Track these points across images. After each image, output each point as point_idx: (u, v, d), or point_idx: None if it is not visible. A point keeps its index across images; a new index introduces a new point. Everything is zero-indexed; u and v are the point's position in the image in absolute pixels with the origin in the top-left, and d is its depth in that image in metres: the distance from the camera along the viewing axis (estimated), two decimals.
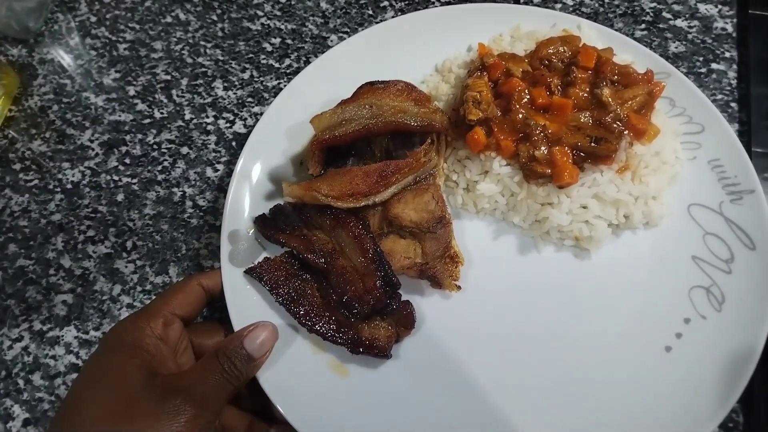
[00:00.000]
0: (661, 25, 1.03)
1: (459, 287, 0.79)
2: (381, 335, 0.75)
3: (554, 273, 0.82)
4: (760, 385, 0.75)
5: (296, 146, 0.90)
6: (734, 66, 0.98)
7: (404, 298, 0.78)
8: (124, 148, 1.00)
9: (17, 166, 0.99)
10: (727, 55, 1.00)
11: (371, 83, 0.86)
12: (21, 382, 0.83)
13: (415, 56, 0.97)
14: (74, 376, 0.84)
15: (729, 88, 0.97)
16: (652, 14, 1.05)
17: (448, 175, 0.88)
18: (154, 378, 0.63)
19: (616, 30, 0.96)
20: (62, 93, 1.05)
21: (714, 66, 0.99)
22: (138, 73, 1.06)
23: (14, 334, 0.86)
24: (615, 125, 0.79)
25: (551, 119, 0.81)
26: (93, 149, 1.00)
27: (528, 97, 0.83)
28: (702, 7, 1.05)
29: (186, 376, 0.65)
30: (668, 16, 1.04)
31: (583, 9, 1.08)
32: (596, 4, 1.08)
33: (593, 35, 0.93)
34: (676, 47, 1.01)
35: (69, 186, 0.97)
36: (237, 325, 0.76)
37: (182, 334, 0.72)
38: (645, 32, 1.03)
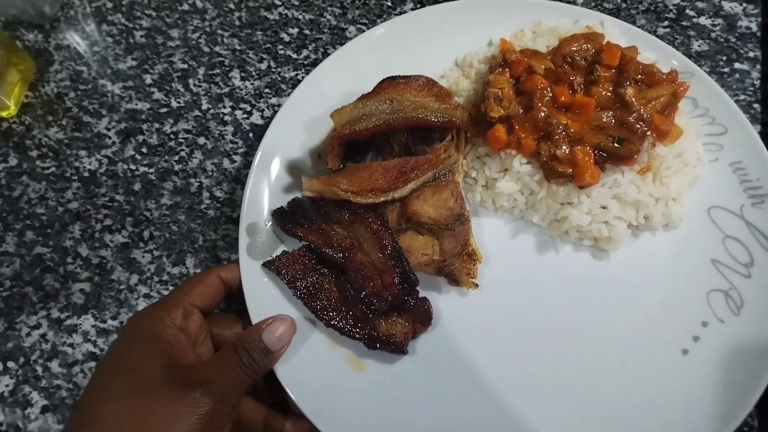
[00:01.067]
0: (684, 23, 1.02)
1: (476, 285, 0.79)
2: (398, 331, 0.76)
3: (572, 273, 0.82)
4: None
5: (314, 139, 0.90)
6: (758, 66, 0.97)
7: (421, 294, 0.78)
8: (140, 137, 1.00)
9: (34, 153, 0.99)
10: (751, 54, 0.98)
11: (392, 78, 0.86)
12: (39, 369, 0.84)
13: (435, 50, 0.96)
14: (92, 364, 0.84)
15: (752, 88, 0.96)
16: (675, 11, 1.03)
17: (468, 171, 0.87)
18: (173, 369, 0.63)
19: (638, 27, 0.95)
20: (78, 80, 1.04)
21: (737, 66, 0.98)
22: (155, 61, 1.06)
23: (32, 321, 0.87)
24: (638, 126, 0.79)
25: (573, 118, 0.81)
26: (110, 137, 1.00)
27: (550, 95, 0.82)
28: (726, 5, 1.03)
29: (205, 368, 0.65)
30: (692, 13, 1.03)
31: (605, 4, 1.06)
32: (619, 0, 1.06)
33: (616, 32, 0.91)
34: (699, 45, 1.00)
35: (86, 174, 0.97)
36: (255, 317, 0.76)
37: (202, 325, 0.72)
38: (668, 29, 1.02)
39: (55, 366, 0.84)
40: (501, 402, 0.74)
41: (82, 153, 0.99)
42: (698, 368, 0.74)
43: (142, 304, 0.88)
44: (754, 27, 1.00)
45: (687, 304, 0.78)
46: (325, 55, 1.04)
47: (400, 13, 1.08)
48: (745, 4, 1.03)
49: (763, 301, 0.76)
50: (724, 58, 0.99)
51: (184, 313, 0.70)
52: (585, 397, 0.74)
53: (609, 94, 0.82)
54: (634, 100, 0.80)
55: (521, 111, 0.82)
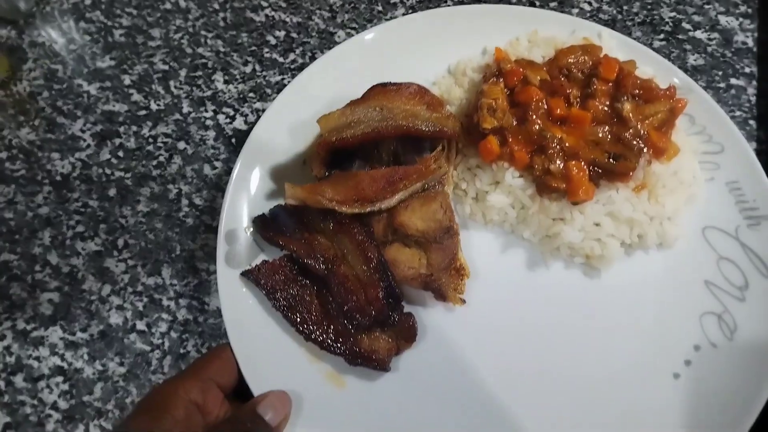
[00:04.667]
0: (680, 36, 1.00)
1: (464, 301, 0.76)
2: (381, 347, 0.73)
3: (562, 291, 0.80)
4: None
5: (299, 145, 0.87)
6: (754, 82, 0.96)
7: (406, 309, 0.75)
8: (117, 140, 0.95)
9: (3, 155, 0.94)
10: (747, 70, 0.97)
11: (383, 84, 0.83)
12: (2, 384, 0.79)
13: (427, 56, 0.94)
14: (59, 379, 0.80)
15: (748, 104, 0.94)
16: (671, 24, 1.01)
17: (458, 183, 0.85)
18: None
19: (634, 39, 0.93)
20: (53, 79, 1.00)
21: (733, 81, 0.96)
22: (134, 61, 1.01)
23: None
24: (635, 142, 0.76)
25: (568, 132, 0.78)
26: (84, 140, 0.95)
27: (545, 107, 0.80)
28: (723, 19, 1.02)
29: None
30: (688, 26, 1.01)
31: (601, 15, 1.04)
32: (614, 11, 1.05)
33: (614, 45, 0.89)
34: (695, 59, 0.98)
35: (58, 178, 0.92)
36: (231, 328, 0.74)
37: (222, 404, 0.68)
38: (663, 42, 1.00)
39: (19, 380, 0.80)
40: (484, 422, 0.72)
41: (55, 155, 0.94)
42: (690, 393, 0.72)
43: (114, 316, 0.84)
44: (750, 42, 0.99)
45: (679, 326, 0.76)
46: (313, 59, 1.01)
47: (391, 18, 1.05)
48: (741, 19, 1.02)
49: (756, 325, 0.74)
50: (720, 73, 0.97)
51: (201, 388, 0.66)
52: (572, 418, 0.72)
53: (606, 108, 0.80)
54: (631, 115, 0.78)
55: (515, 123, 0.80)
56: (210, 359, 0.71)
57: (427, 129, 0.79)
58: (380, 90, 0.82)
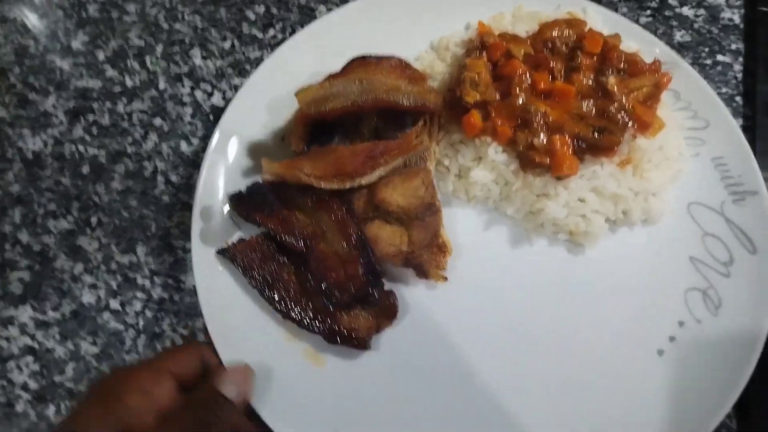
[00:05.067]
0: (666, 13, 0.99)
1: (446, 278, 0.74)
2: (361, 325, 0.72)
3: (546, 268, 0.78)
4: (756, 392, 0.72)
5: (278, 120, 0.84)
6: (740, 59, 0.94)
7: (387, 287, 0.74)
8: (91, 117, 0.92)
9: None
10: (734, 47, 0.96)
11: (363, 57, 0.81)
12: None
13: (410, 31, 0.91)
14: (29, 359, 0.78)
15: (734, 81, 0.93)
16: (657, 0, 1.00)
17: (440, 159, 0.83)
18: None
19: (620, 15, 0.91)
20: (25, 54, 0.97)
21: (720, 58, 0.95)
22: (109, 36, 0.98)
23: None
24: (619, 116, 0.75)
25: (552, 106, 0.77)
26: (57, 116, 0.92)
27: (529, 81, 0.78)
28: None
29: None
30: (674, 3, 1.00)
31: None
32: None
33: (599, 20, 0.88)
34: (681, 36, 0.97)
35: (29, 155, 0.90)
36: (206, 308, 0.72)
37: (173, 395, 0.62)
38: (650, 19, 0.98)
39: None
40: (468, 401, 0.70)
41: (26, 132, 0.91)
42: (674, 369, 0.71)
43: (87, 295, 0.81)
44: (737, 19, 0.98)
45: (664, 302, 0.75)
46: (293, 35, 0.98)
47: None
48: None
49: (741, 301, 0.73)
50: (707, 49, 0.96)
51: (154, 377, 0.62)
52: (556, 396, 0.71)
53: (590, 82, 0.78)
54: (616, 89, 0.76)
55: (498, 97, 0.78)
56: (172, 351, 0.69)
57: (408, 103, 0.77)
58: (360, 63, 0.80)
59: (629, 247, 0.79)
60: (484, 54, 0.81)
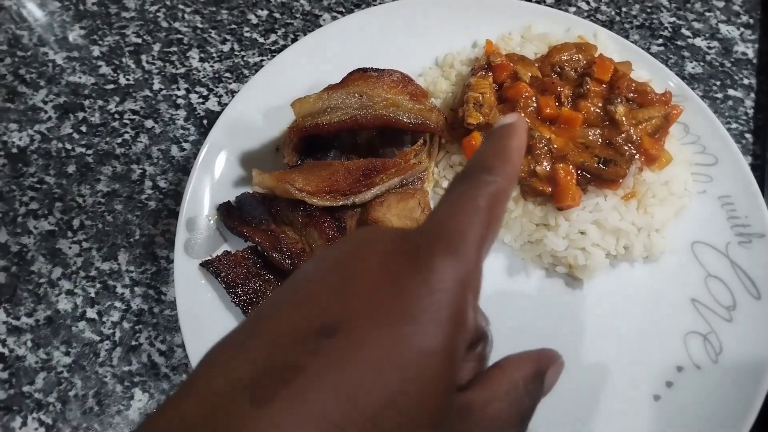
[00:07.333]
0: (679, 42, 0.96)
1: None
2: None
3: (542, 301, 0.75)
4: None
5: (274, 130, 0.82)
6: (752, 94, 0.92)
7: None
8: (81, 114, 0.89)
9: None
10: (746, 82, 0.93)
11: (364, 69, 0.78)
12: None
13: (414, 46, 0.89)
14: None
15: (745, 117, 0.90)
16: (670, 29, 0.97)
17: (438, 180, 0.80)
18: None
19: (631, 42, 0.89)
20: (17, 45, 0.94)
21: (731, 92, 0.92)
22: (105, 32, 0.95)
23: None
24: (626, 147, 0.72)
25: (558, 133, 0.74)
26: (46, 111, 0.89)
27: (535, 105, 0.75)
28: (723, 28, 0.98)
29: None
30: (687, 33, 0.97)
31: (599, 16, 1.00)
32: (613, 12, 1.00)
33: (610, 46, 0.85)
34: (693, 68, 0.94)
35: (14, 150, 0.86)
36: (185, 324, 0.68)
37: None
38: (662, 48, 0.96)
39: None
40: None
41: (13, 126, 0.88)
42: (670, 417, 0.68)
43: (63, 302, 0.78)
44: (750, 53, 0.95)
45: (662, 345, 0.72)
46: (295, 41, 0.96)
47: (380, 3, 1.00)
48: (742, 29, 0.98)
49: (743, 349, 0.70)
50: (718, 83, 0.93)
51: None
52: None
53: (598, 110, 0.75)
54: (624, 119, 0.73)
55: None
56: None
57: (408, 121, 0.74)
58: (360, 75, 0.77)
59: (629, 285, 0.75)
60: (490, 74, 0.78)
